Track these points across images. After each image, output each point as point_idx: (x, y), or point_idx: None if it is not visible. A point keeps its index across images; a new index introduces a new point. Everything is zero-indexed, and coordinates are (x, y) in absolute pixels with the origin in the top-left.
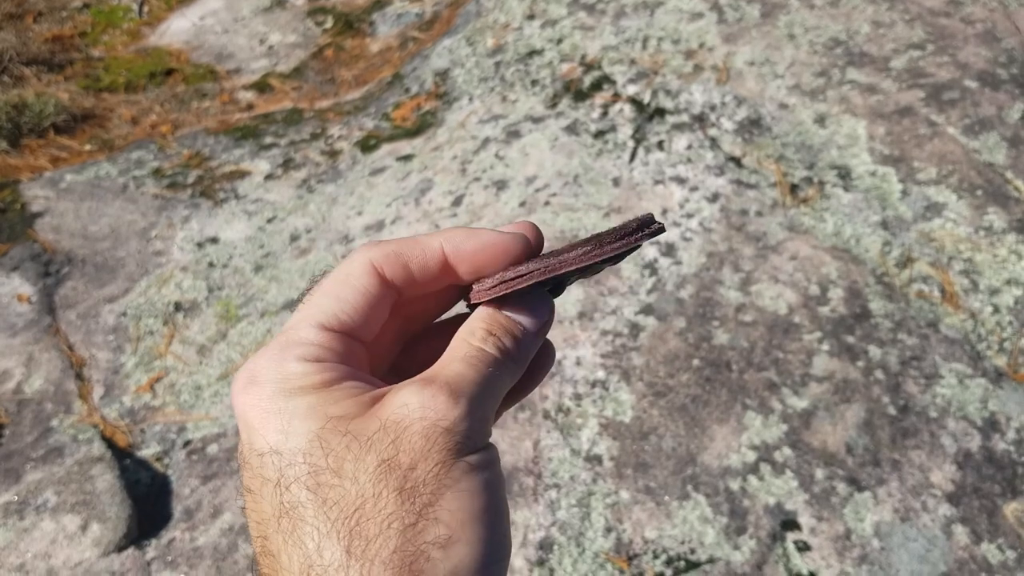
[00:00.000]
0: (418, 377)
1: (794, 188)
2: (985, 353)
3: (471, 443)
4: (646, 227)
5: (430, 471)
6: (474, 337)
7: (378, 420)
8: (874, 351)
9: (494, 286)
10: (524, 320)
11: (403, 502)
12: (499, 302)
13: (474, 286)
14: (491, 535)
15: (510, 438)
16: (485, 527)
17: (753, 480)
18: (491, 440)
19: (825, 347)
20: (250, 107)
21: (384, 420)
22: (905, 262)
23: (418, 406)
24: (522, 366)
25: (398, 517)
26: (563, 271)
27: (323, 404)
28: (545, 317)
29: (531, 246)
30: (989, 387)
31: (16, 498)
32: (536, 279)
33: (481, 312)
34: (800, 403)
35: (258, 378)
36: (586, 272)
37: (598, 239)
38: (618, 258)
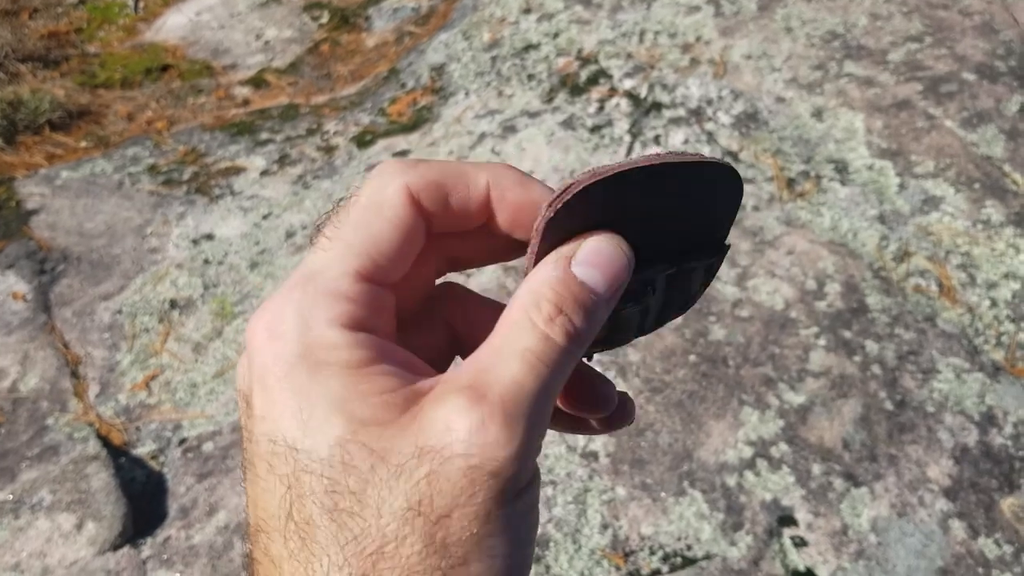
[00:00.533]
0: (466, 384)
1: (791, 182)
2: (982, 347)
3: (517, 486)
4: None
5: (467, 525)
6: (539, 314)
7: (413, 442)
8: (871, 346)
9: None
10: (593, 277)
11: (429, 555)
12: (563, 225)
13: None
14: None
15: None
16: None
17: (750, 476)
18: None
19: (822, 342)
20: (246, 103)
21: (421, 445)
22: (902, 256)
23: (464, 435)
24: (590, 339)
25: (422, 571)
26: (635, 166)
27: (351, 398)
28: (620, 269)
29: None
30: (986, 381)
31: (11, 497)
32: (604, 175)
33: (549, 273)
34: (797, 398)
35: (282, 332)
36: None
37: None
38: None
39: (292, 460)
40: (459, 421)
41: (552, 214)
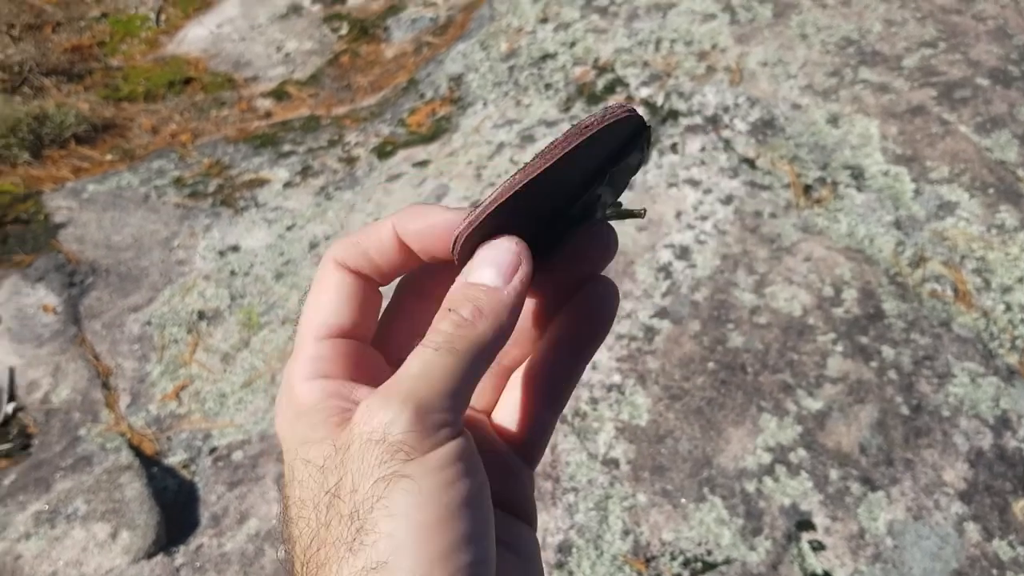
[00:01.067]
0: (372, 392)
1: (808, 189)
2: (997, 351)
3: (412, 449)
4: (611, 115)
5: (368, 491)
6: (435, 321)
7: (331, 444)
8: (887, 351)
9: (459, 242)
10: (485, 275)
11: (345, 528)
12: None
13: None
14: (435, 550)
15: None
16: (426, 544)
17: (768, 481)
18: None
19: (839, 348)
20: (268, 115)
21: (336, 443)
22: (918, 261)
23: (358, 422)
24: (497, 327)
25: (342, 543)
26: (516, 187)
27: (301, 430)
28: (507, 260)
29: None
30: (1001, 385)
31: (47, 507)
32: (491, 207)
33: (451, 289)
34: (815, 404)
35: (280, 406)
36: (599, 180)
37: (552, 144)
38: (623, 152)
39: (282, 496)
40: (360, 413)
41: (456, 252)
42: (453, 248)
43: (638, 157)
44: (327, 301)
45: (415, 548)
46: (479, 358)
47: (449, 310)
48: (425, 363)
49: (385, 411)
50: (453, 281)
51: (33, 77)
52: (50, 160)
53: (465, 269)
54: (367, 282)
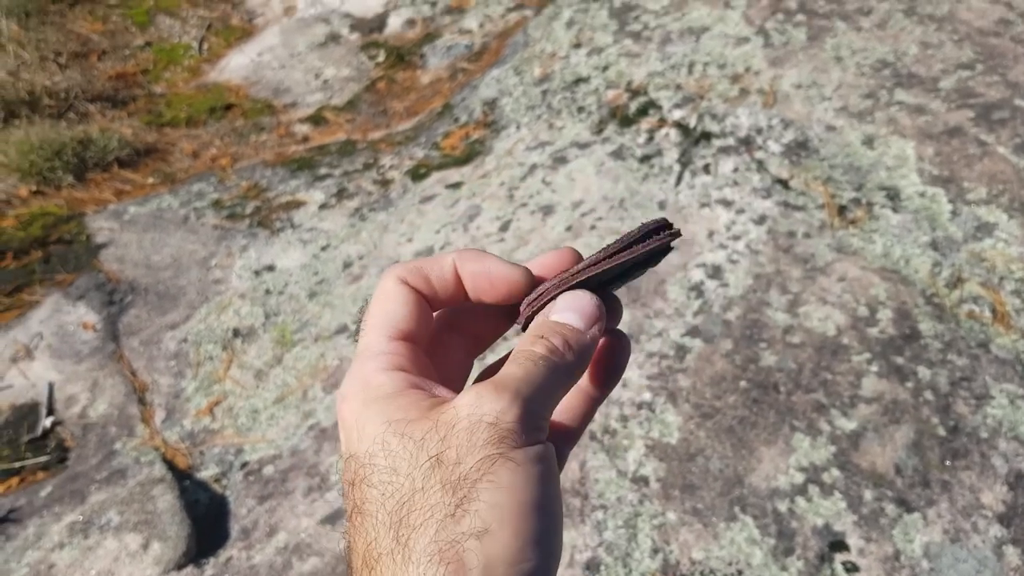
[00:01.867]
0: (474, 384)
1: (842, 209)
2: None
3: (518, 438)
4: (656, 233)
5: (474, 465)
6: (524, 342)
7: (431, 421)
8: (923, 372)
9: (525, 306)
10: (570, 318)
11: (445, 494)
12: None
13: (521, 307)
14: (530, 530)
15: None
16: (524, 521)
17: (801, 501)
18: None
19: (874, 368)
20: (306, 139)
21: (437, 421)
22: (955, 283)
23: (466, 405)
24: (580, 361)
25: (440, 508)
26: (574, 282)
27: (390, 410)
28: (591, 312)
29: (532, 279)
30: None
31: (81, 518)
32: (552, 294)
33: (533, 322)
34: (849, 424)
35: (346, 393)
36: (621, 278)
37: (606, 250)
38: (649, 260)
39: (353, 464)
40: (464, 399)
41: (522, 320)
42: (520, 315)
43: (656, 263)
44: (395, 308)
45: (517, 523)
46: (564, 382)
47: (542, 337)
48: (529, 372)
49: (499, 400)
50: (482, 319)
51: (79, 103)
52: (93, 183)
53: (547, 310)
54: (423, 300)
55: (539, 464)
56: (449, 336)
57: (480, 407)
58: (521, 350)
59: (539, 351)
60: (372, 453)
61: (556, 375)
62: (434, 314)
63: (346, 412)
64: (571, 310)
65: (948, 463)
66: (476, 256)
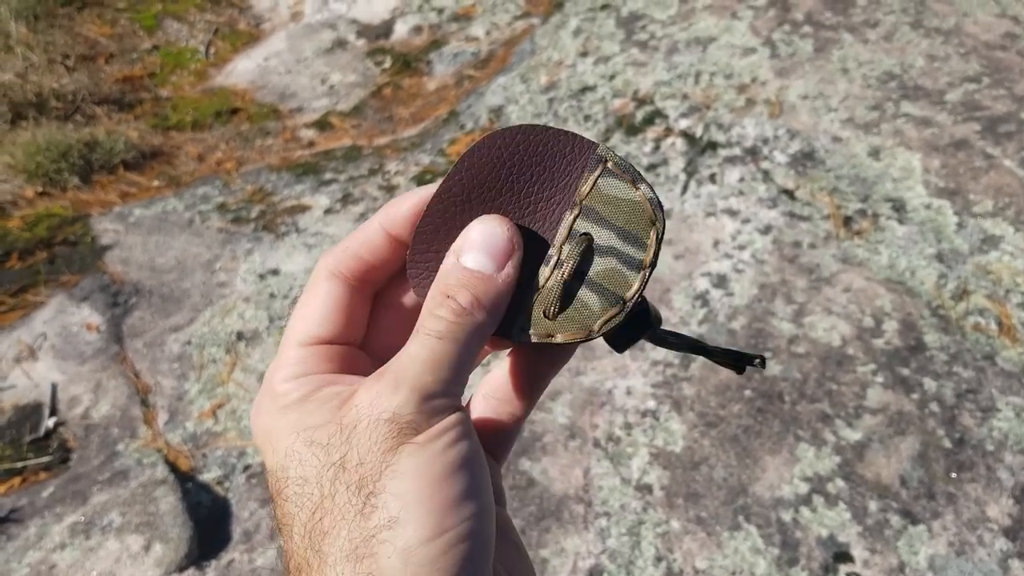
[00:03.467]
0: (376, 371)
1: (848, 220)
2: None
3: (419, 427)
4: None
5: (375, 462)
6: (428, 305)
7: (336, 424)
8: (929, 384)
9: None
10: (478, 261)
11: (351, 495)
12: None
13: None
14: (444, 499)
15: (560, 466)
16: (435, 495)
17: (805, 511)
18: (462, 410)
19: (879, 379)
20: (311, 144)
21: (341, 423)
22: (961, 295)
23: (365, 404)
24: (493, 317)
25: (349, 508)
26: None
27: (301, 418)
28: (503, 246)
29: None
30: None
31: (83, 518)
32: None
33: (442, 270)
34: (854, 435)
35: (259, 405)
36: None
37: None
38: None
39: (272, 479)
40: (363, 396)
41: (420, 220)
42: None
43: (614, 182)
44: (313, 311)
45: (424, 501)
46: (477, 345)
47: (447, 296)
48: (429, 350)
49: (396, 395)
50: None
51: (85, 106)
52: (99, 185)
53: (455, 247)
54: (357, 289)
55: (445, 434)
56: (391, 313)
57: (378, 404)
58: (423, 320)
59: (443, 317)
60: (284, 466)
61: (465, 345)
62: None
63: (257, 427)
64: (478, 249)
65: (953, 475)
66: (394, 202)
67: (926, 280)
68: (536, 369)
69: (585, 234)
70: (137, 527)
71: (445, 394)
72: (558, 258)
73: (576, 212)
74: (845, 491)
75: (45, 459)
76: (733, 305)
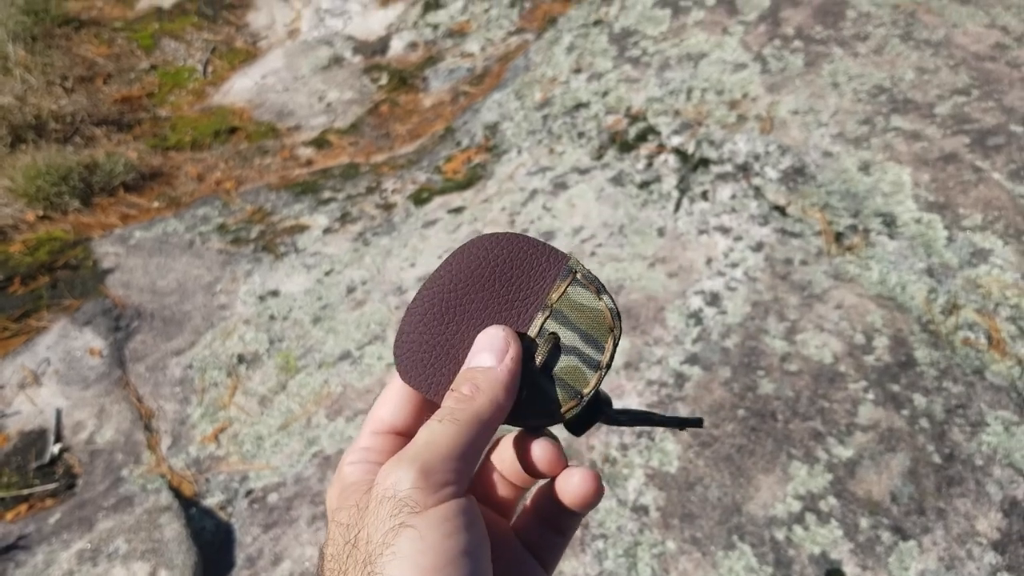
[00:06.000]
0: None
1: (839, 236)
2: None
3: (418, 504)
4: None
5: (379, 541)
6: (443, 403)
7: (355, 505)
8: (919, 399)
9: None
10: (481, 359)
11: (359, 572)
12: None
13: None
14: None
15: None
16: None
17: (798, 530)
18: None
19: (870, 396)
20: (309, 163)
21: (359, 503)
22: (951, 309)
23: (377, 484)
24: (492, 400)
25: None
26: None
27: (341, 499)
28: (498, 344)
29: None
30: None
31: (89, 545)
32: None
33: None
34: (845, 452)
35: (332, 483)
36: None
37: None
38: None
39: (320, 556)
40: (377, 478)
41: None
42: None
43: (581, 291)
44: (389, 401)
45: None
46: (478, 427)
47: (452, 390)
48: (431, 432)
49: (396, 472)
50: None
51: (85, 127)
52: (99, 207)
53: (468, 358)
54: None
55: (447, 522)
56: None
57: (384, 482)
58: (435, 413)
59: (448, 405)
60: (324, 543)
61: (464, 425)
62: None
63: (327, 503)
64: (483, 350)
65: (943, 490)
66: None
67: (916, 295)
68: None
69: (552, 333)
70: (143, 554)
71: (445, 471)
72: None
73: (547, 314)
74: (837, 508)
75: (51, 486)
76: (727, 323)
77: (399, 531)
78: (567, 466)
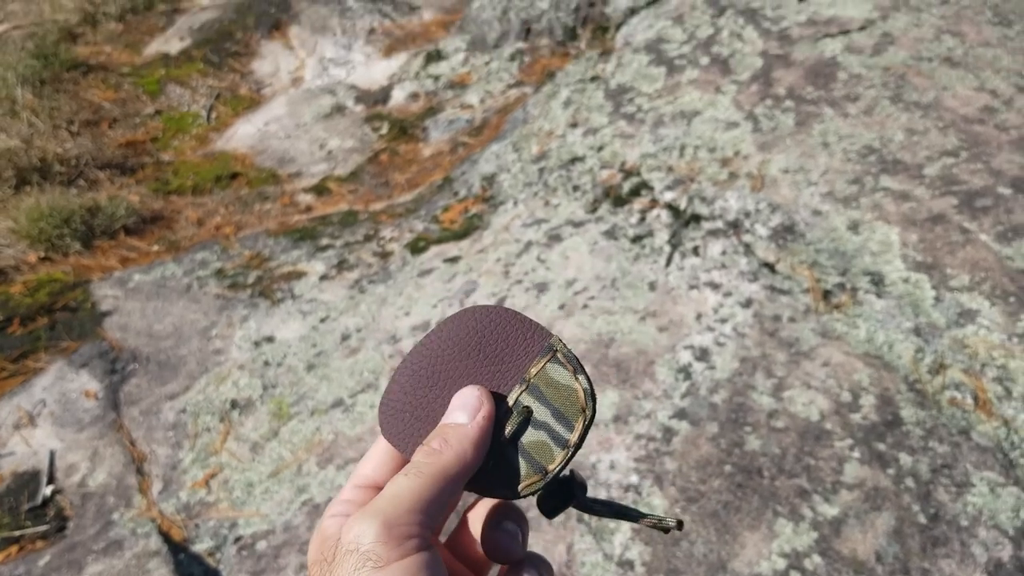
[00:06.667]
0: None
1: (827, 294)
2: (1018, 461)
3: (380, 558)
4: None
5: None
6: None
7: (324, 559)
8: (905, 459)
9: None
10: (454, 416)
11: None
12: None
13: None
14: None
15: (544, 541)
16: None
17: None
18: (436, 545)
19: (856, 454)
20: (309, 209)
21: (325, 557)
22: (938, 369)
23: (342, 539)
24: (459, 454)
25: None
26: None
27: (317, 552)
28: (471, 402)
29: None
30: (1021, 496)
31: None
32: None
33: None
34: (831, 510)
35: (314, 535)
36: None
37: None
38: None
39: None
40: (343, 531)
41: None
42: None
43: (559, 369)
44: (373, 458)
45: None
46: (443, 480)
47: (423, 445)
48: (397, 485)
49: (359, 525)
50: None
51: (88, 171)
52: (100, 250)
53: (444, 417)
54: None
55: None
56: None
57: (347, 536)
58: (409, 464)
59: (416, 460)
60: None
61: (429, 479)
62: None
63: (309, 554)
64: (458, 408)
65: (928, 551)
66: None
67: (903, 354)
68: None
69: (526, 407)
70: None
71: (408, 524)
72: (502, 423)
73: (524, 388)
74: (822, 567)
75: (42, 528)
76: (715, 379)
77: None
78: (521, 559)
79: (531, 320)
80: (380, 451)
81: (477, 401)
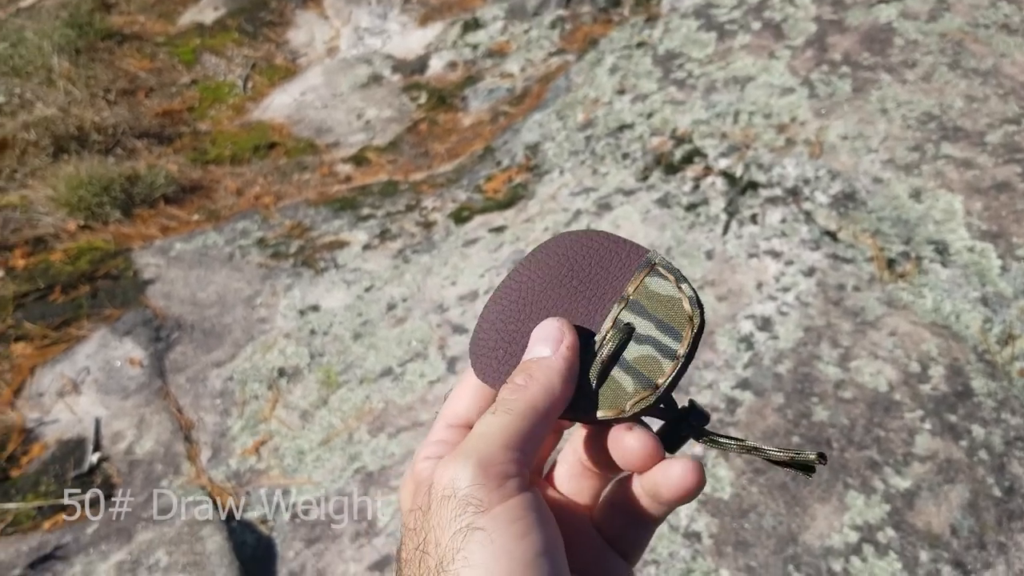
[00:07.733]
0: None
1: (891, 263)
2: None
3: (482, 502)
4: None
5: (448, 545)
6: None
7: (419, 507)
8: (977, 431)
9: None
10: (537, 350)
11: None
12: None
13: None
14: None
15: None
16: None
17: (856, 561)
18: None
19: (927, 426)
20: (348, 179)
21: (421, 505)
22: (1007, 339)
23: (435, 484)
24: (546, 388)
25: None
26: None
27: (413, 499)
28: (552, 334)
29: None
30: None
31: (129, 557)
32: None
33: None
34: (903, 483)
35: (405, 478)
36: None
37: None
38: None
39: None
40: (434, 476)
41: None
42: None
43: (659, 281)
44: (464, 395)
45: None
46: (533, 416)
47: (508, 381)
48: (486, 424)
49: (452, 468)
50: None
51: (126, 139)
52: (140, 219)
53: (526, 351)
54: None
55: (516, 523)
56: None
57: (441, 480)
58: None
59: (503, 397)
60: (399, 547)
61: (520, 415)
62: None
63: (400, 500)
64: (539, 341)
65: (1004, 525)
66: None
67: (971, 324)
68: (601, 445)
69: (627, 324)
70: (184, 567)
71: (504, 463)
72: (601, 343)
73: (623, 305)
74: (896, 540)
75: (90, 495)
76: (778, 348)
77: (467, 534)
78: (663, 458)
79: (624, 239)
80: (470, 388)
81: (559, 332)
